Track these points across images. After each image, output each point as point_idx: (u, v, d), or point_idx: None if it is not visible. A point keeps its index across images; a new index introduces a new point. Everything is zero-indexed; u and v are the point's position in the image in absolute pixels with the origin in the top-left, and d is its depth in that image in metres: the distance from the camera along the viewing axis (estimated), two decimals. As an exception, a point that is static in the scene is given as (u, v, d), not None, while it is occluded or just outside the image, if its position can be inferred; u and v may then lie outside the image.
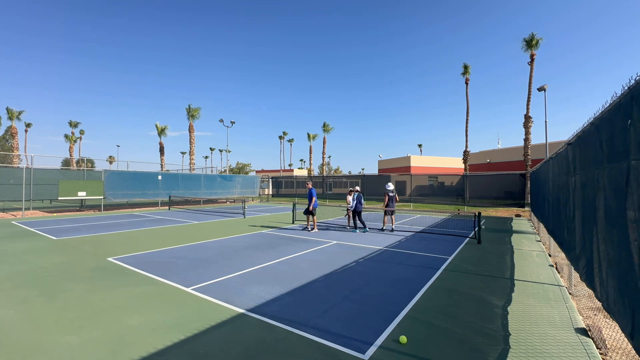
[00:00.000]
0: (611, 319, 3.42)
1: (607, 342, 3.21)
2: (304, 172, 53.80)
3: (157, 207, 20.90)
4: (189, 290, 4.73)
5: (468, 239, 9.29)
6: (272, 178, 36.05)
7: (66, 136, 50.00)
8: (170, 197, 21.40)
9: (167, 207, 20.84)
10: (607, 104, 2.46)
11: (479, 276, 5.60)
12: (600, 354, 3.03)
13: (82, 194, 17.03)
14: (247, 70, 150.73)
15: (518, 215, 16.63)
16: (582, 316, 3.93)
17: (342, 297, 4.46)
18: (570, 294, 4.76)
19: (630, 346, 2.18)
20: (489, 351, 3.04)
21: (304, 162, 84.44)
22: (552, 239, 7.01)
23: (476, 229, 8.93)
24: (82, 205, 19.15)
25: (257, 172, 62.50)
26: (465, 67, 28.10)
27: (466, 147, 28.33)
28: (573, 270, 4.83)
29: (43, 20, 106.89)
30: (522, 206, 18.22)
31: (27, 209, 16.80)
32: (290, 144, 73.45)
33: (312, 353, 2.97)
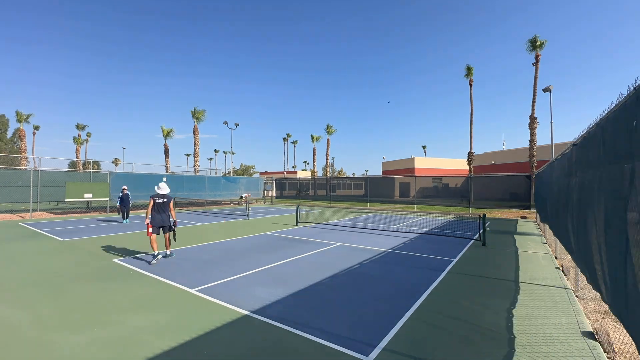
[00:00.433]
0: (619, 322, 3.37)
1: (614, 346, 3.16)
2: (308, 174, 53.86)
3: (161, 209, 21.02)
4: (193, 291, 4.76)
5: (473, 241, 9.22)
6: (275, 180, 36.13)
7: (74, 139, 50.66)
8: (174, 198, 21.55)
9: (172, 209, 20.97)
10: (613, 105, 2.44)
11: (484, 278, 5.56)
12: (608, 357, 2.99)
13: (88, 196, 17.21)
14: (251, 71, 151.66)
15: (524, 217, 16.47)
16: (590, 319, 3.88)
17: (346, 299, 4.45)
18: (577, 296, 4.70)
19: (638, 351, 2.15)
20: (494, 354, 3.01)
21: (308, 164, 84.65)
22: (558, 241, 6.94)
23: (481, 230, 8.87)
24: (88, 207, 19.36)
25: (260, 174, 62.71)
26: (469, 68, 27.98)
27: (470, 148, 28.16)
28: (580, 273, 4.77)
29: (48, 18, 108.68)
30: (528, 208, 18.04)
31: (35, 210, 17.02)
32: (294, 146, 73.61)
33: (315, 355, 2.97)
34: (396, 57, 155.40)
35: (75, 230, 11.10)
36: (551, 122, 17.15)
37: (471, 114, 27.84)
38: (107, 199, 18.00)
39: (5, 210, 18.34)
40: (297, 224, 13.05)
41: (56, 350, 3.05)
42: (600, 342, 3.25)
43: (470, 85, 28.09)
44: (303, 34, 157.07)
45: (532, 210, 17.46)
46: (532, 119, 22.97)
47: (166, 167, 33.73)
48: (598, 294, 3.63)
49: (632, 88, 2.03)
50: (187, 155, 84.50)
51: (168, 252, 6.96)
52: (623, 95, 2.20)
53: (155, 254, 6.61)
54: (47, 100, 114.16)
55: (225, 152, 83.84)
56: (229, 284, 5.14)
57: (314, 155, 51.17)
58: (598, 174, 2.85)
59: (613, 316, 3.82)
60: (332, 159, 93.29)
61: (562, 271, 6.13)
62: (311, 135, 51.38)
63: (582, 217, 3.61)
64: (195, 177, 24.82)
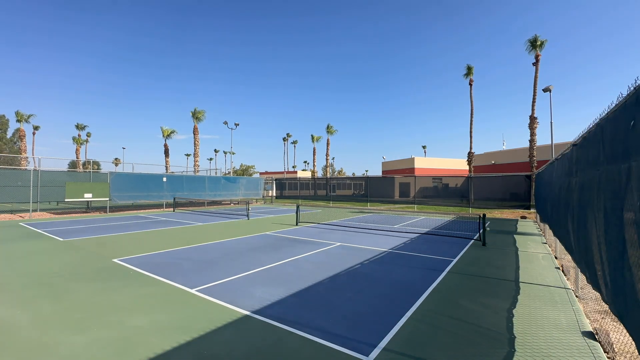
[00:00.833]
0: (619, 322, 3.37)
1: (615, 346, 3.16)
2: (308, 174, 53.85)
3: (161, 209, 21.05)
4: (193, 291, 4.76)
5: (473, 241, 9.22)
6: (275, 180, 36.13)
7: (74, 139, 50.67)
8: (175, 198, 21.55)
9: (172, 209, 20.98)
10: (613, 105, 2.44)
11: (484, 278, 5.56)
12: (608, 358, 2.99)
13: (88, 196, 17.21)
14: (253, 72, 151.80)
15: (524, 217, 16.47)
16: (590, 319, 3.88)
17: (346, 299, 4.45)
18: (577, 296, 4.70)
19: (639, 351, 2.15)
20: (494, 354, 3.01)
21: (308, 164, 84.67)
22: (558, 240, 6.94)
23: (481, 230, 8.87)
24: (88, 207, 19.36)
25: (260, 174, 62.70)
26: (469, 68, 27.98)
27: (470, 148, 28.17)
28: (580, 273, 4.77)
29: (48, 21, 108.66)
30: (528, 208, 18.04)
31: (35, 210, 17.03)
32: (294, 146, 73.64)
33: (316, 355, 2.97)
34: (396, 58, 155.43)
35: (75, 230, 11.10)
36: (551, 122, 17.18)
37: (471, 114, 27.86)
38: (107, 199, 18.00)
39: (6, 210, 18.35)
40: (297, 224, 13.05)
41: (56, 350, 3.05)
42: (600, 342, 3.25)
43: (471, 85, 28.09)
44: (305, 36, 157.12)
45: (532, 210, 17.46)
46: (532, 119, 22.97)
47: (166, 167, 33.74)
48: (598, 294, 3.63)
49: (632, 88, 2.03)
50: (187, 155, 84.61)
51: None
52: (623, 96, 2.20)
53: None
54: (47, 100, 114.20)
55: (225, 152, 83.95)
56: (229, 284, 5.14)
57: (314, 155, 51.18)
58: (598, 174, 2.85)
59: (613, 316, 3.82)
60: (332, 159, 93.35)
61: (562, 271, 6.13)
62: (311, 135, 51.42)
63: (582, 216, 3.61)
64: (195, 177, 24.81)
